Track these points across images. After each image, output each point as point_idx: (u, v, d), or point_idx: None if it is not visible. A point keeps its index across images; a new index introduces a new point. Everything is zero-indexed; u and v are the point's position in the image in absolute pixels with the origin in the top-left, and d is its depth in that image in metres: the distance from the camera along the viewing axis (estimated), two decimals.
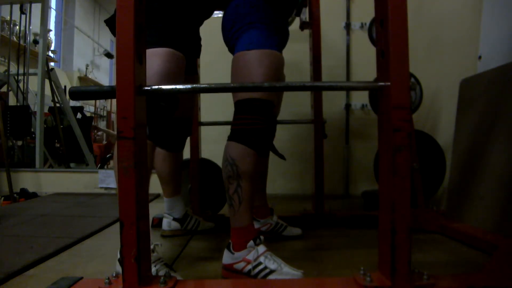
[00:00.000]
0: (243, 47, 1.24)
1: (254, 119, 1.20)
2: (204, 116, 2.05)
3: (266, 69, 1.21)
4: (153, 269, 1.06)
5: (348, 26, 2.78)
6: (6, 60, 3.80)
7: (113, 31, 1.29)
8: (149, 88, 0.90)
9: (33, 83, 3.71)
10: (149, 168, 1.18)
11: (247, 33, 1.26)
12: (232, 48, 1.33)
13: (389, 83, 0.85)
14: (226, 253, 1.21)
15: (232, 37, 1.31)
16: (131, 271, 0.85)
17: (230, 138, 1.22)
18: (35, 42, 4.73)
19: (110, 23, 1.29)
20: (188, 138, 1.80)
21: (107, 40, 9.93)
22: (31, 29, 3.84)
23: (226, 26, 1.34)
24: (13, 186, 2.89)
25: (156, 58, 1.18)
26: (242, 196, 1.19)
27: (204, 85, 0.95)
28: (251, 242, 1.16)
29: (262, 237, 1.20)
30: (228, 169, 1.20)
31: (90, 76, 8.87)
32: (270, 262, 1.13)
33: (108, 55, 8.84)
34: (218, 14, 1.46)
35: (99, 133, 6.20)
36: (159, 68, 1.18)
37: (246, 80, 1.21)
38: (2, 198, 2.77)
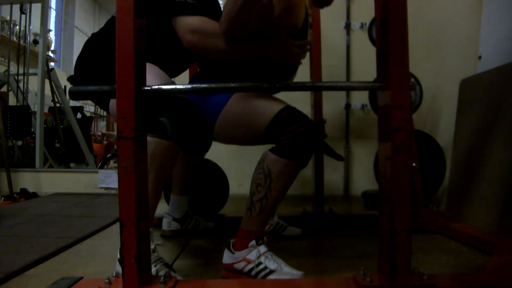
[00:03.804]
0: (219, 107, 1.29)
1: (302, 126, 1.18)
2: None
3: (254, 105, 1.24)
4: (153, 269, 1.06)
5: (348, 26, 2.78)
6: (6, 60, 3.80)
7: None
8: (149, 88, 0.90)
9: (33, 83, 3.70)
10: (168, 171, 1.18)
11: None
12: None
13: (389, 83, 0.85)
14: (226, 253, 1.21)
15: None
16: (131, 271, 0.85)
17: (273, 151, 1.20)
18: (35, 42, 4.72)
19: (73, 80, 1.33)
20: None
21: None
22: (31, 29, 3.83)
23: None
24: (13, 186, 2.88)
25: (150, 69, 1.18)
26: (264, 207, 1.18)
27: (204, 85, 0.95)
28: (253, 242, 1.16)
29: (265, 238, 1.20)
30: (260, 177, 1.19)
31: None
32: (271, 262, 1.13)
33: None
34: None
35: (99, 133, 6.20)
36: (158, 70, 1.19)
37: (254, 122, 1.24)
38: (2, 198, 2.77)
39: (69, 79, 1.36)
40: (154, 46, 1.22)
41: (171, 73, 1.43)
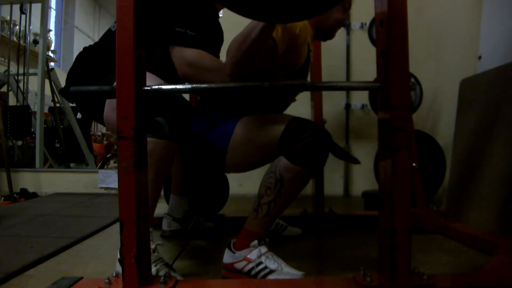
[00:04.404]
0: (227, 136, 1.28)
1: (313, 134, 1.17)
2: None
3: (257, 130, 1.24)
4: (154, 269, 1.06)
5: (348, 26, 2.78)
6: (6, 60, 3.80)
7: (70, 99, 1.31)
8: (149, 88, 0.90)
9: (33, 83, 3.70)
10: (166, 170, 1.18)
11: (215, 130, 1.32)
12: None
13: (389, 83, 0.85)
14: (226, 253, 1.21)
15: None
16: (131, 271, 0.85)
17: (287, 157, 1.17)
18: (35, 42, 4.72)
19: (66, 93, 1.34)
20: None
21: None
22: (31, 29, 3.83)
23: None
24: (13, 186, 2.89)
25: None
26: (271, 211, 1.18)
27: (204, 85, 0.95)
28: (255, 242, 1.16)
29: (267, 239, 1.20)
30: (271, 181, 1.18)
31: None
32: (271, 262, 1.13)
33: None
34: (220, 14, 1.47)
35: (99, 133, 6.20)
36: (156, 78, 1.19)
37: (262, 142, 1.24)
38: (2, 198, 2.77)
39: (61, 91, 1.36)
40: (154, 60, 1.22)
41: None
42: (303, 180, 1.19)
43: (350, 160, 1.35)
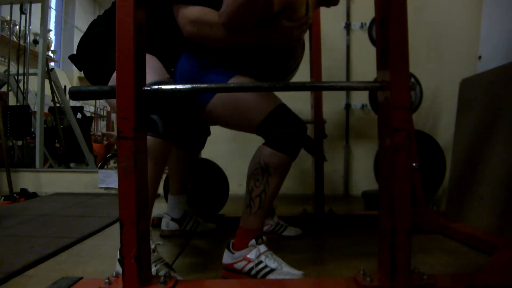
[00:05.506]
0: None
1: (290, 126, 1.20)
2: None
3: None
4: (154, 269, 1.06)
5: (348, 26, 2.78)
6: (6, 60, 3.80)
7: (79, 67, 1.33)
8: (149, 88, 0.90)
9: (33, 83, 3.70)
10: (162, 168, 1.18)
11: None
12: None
13: (389, 83, 0.85)
14: (226, 253, 1.21)
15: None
16: (131, 271, 0.85)
17: (269, 145, 1.21)
18: (35, 42, 4.72)
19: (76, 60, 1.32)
20: None
21: None
22: (31, 29, 3.84)
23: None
24: (13, 186, 2.88)
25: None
26: (263, 202, 1.20)
27: (204, 85, 0.95)
28: (253, 241, 1.17)
29: (264, 237, 1.20)
30: (258, 172, 1.20)
31: None
32: (271, 261, 1.13)
33: None
34: None
35: (99, 133, 6.20)
36: (154, 63, 1.19)
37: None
38: (2, 198, 2.77)
39: (70, 57, 1.36)
40: (154, 34, 1.21)
41: (171, 61, 1.42)
42: (286, 167, 1.22)
43: (318, 156, 1.36)
